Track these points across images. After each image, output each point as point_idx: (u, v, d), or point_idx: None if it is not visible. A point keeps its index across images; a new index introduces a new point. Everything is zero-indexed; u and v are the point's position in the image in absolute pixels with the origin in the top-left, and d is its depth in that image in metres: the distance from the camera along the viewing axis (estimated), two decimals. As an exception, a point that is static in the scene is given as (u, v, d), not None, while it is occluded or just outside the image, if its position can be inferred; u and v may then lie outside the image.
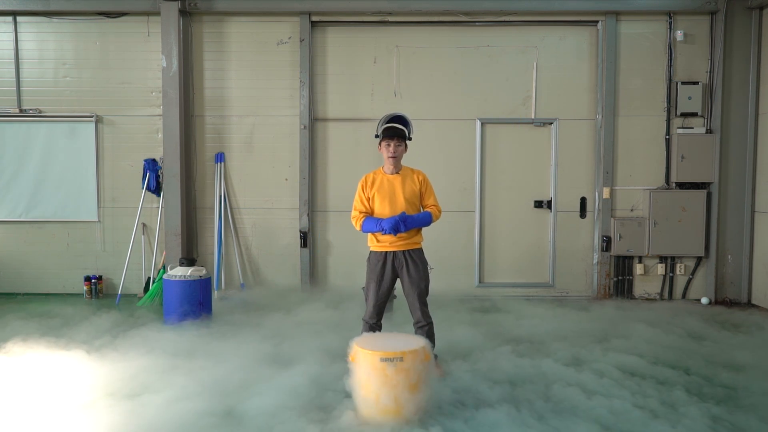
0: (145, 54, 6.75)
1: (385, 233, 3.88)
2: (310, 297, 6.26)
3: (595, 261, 6.75)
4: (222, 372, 4.00)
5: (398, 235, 3.91)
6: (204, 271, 5.54)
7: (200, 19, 6.76)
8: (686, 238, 6.52)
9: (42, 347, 4.51)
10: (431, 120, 6.74)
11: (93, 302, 6.54)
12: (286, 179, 6.83)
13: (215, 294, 6.28)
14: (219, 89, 6.80)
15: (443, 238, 6.62)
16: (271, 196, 6.85)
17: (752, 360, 4.37)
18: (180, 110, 6.55)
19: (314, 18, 6.66)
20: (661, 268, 6.65)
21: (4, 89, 6.79)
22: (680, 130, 6.55)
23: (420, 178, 4.08)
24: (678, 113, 6.56)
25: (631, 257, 6.67)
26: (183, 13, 6.60)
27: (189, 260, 5.64)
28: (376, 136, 4.07)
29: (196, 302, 5.41)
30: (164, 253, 6.62)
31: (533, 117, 6.73)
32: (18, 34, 6.76)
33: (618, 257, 6.67)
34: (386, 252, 4.01)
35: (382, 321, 4.14)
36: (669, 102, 6.61)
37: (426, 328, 4.03)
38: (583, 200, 6.77)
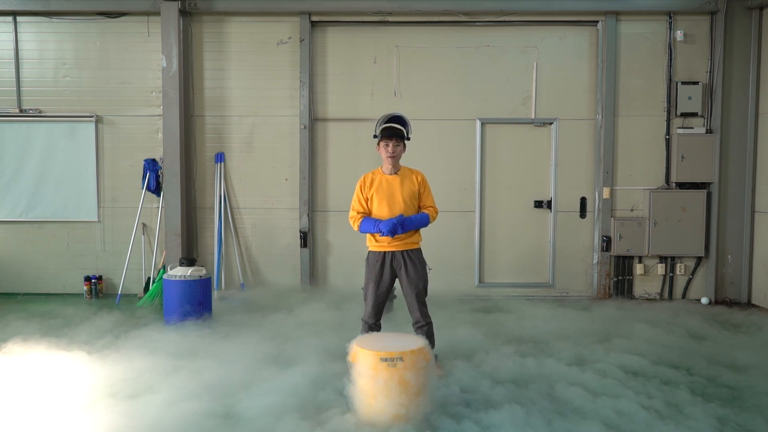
0: (145, 54, 6.75)
1: (383, 235, 3.89)
2: (310, 297, 6.25)
3: (595, 261, 6.75)
4: (223, 372, 4.00)
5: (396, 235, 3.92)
6: (204, 271, 5.54)
7: (200, 19, 6.76)
8: (686, 238, 6.52)
9: (43, 348, 4.51)
10: (431, 120, 6.74)
11: (93, 302, 6.54)
12: (286, 179, 6.83)
13: (215, 294, 6.28)
14: (219, 89, 6.81)
15: (443, 238, 6.62)
16: (271, 196, 6.85)
17: (755, 360, 4.37)
18: (180, 110, 6.55)
19: (314, 18, 6.66)
20: (661, 268, 6.65)
21: (4, 89, 6.79)
22: (680, 130, 6.55)
23: (419, 179, 4.08)
24: (678, 113, 6.56)
25: (631, 257, 6.67)
26: (183, 13, 6.60)
27: (189, 260, 5.64)
28: (375, 136, 4.07)
29: (196, 302, 5.41)
30: (164, 253, 6.62)
31: (533, 117, 6.73)
32: (18, 34, 6.76)
33: (618, 257, 6.67)
34: (385, 252, 4.02)
35: (383, 321, 4.15)
36: (669, 102, 6.61)
37: (425, 328, 4.03)
38: (583, 200, 6.77)
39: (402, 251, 4.01)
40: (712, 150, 6.48)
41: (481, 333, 5.01)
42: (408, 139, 4.07)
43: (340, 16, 6.68)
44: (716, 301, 6.53)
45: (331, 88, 6.79)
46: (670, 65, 6.59)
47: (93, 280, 6.73)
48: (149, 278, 6.74)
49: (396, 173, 4.05)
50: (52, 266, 6.90)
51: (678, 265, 6.66)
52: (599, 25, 6.63)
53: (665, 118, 6.63)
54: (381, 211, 3.98)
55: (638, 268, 6.66)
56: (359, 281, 4.16)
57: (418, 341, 3.42)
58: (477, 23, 6.68)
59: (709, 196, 6.55)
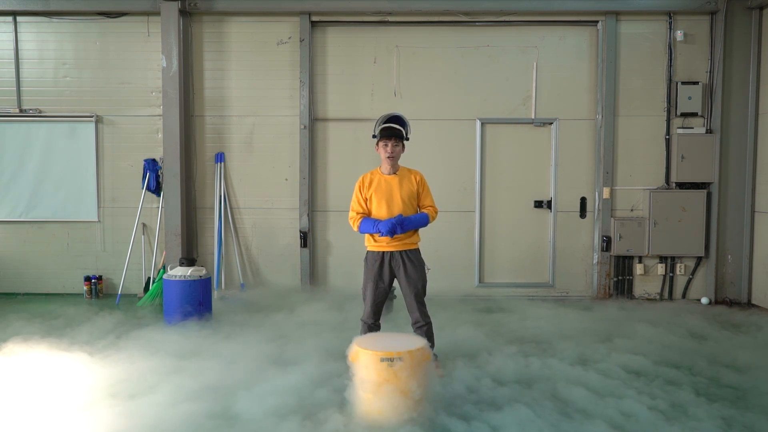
0: (145, 54, 6.75)
1: (382, 235, 3.89)
2: (310, 297, 6.25)
3: (595, 261, 6.75)
4: (224, 373, 4.00)
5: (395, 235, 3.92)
6: (204, 271, 5.54)
7: (200, 19, 6.76)
8: (686, 238, 6.52)
9: (44, 348, 4.51)
10: (431, 120, 6.74)
11: (93, 302, 6.54)
12: (286, 179, 6.83)
13: (215, 294, 6.28)
14: (219, 89, 6.81)
15: (443, 238, 6.62)
16: (271, 196, 6.85)
17: (757, 360, 4.37)
18: (180, 110, 6.55)
19: (314, 18, 6.66)
20: (661, 268, 6.65)
21: (4, 89, 6.79)
22: (680, 130, 6.55)
23: (417, 179, 4.08)
24: (678, 113, 6.56)
25: (631, 257, 6.67)
26: (183, 13, 6.60)
27: (189, 260, 5.64)
28: (374, 136, 4.07)
29: (196, 302, 5.41)
30: (164, 253, 6.62)
31: (533, 117, 6.73)
32: (18, 34, 6.76)
33: (618, 257, 6.67)
34: (383, 252, 4.02)
35: (383, 321, 4.15)
36: (669, 102, 6.61)
37: (425, 328, 4.03)
38: (583, 200, 6.77)
39: (401, 251, 4.01)
40: (712, 150, 6.48)
41: (483, 333, 5.01)
42: (407, 139, 4.07)
43: (340, 16, 6.68)
44: (716, 301, 6.53)
45: (331, 88, 6.79)
46: (670, 65, 6.59)
47: (93, 280, 6.73)
48: (149, 278, 6.74)
49: (395, 173, 4.05)
50: (52, 266, 6.90)
51: (678, 265, 6.66)
52: (599, 25, 6.63)
53: (665, 118, 6.63)
54: (380, 211, 3.98)
55: (638, 268, 6.66)
56: (359, 281, 4.16)
57: (418, 341, 3.42)
58: (477, 23, 6.68)
59: (709, 196, 6.55)
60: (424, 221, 4.00)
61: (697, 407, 3.50)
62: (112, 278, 6.87)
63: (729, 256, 6.57)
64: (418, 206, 4.10)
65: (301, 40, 6.64)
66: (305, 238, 6.75)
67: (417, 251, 4.09)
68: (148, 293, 6.38)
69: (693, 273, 6.67)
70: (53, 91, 6.80)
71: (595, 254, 6.74)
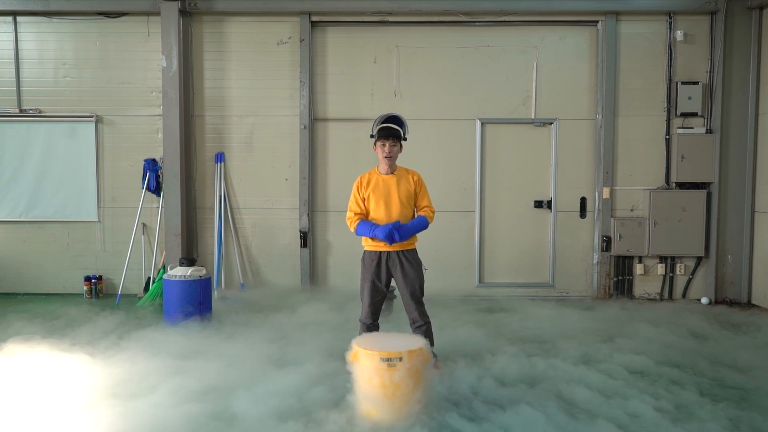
0: (145, 54, 6.75)
1: (379, 240, 3.90)
2: (310, 297, 6.25)
3: (595, 261, 6.75)
4: (226, 373, 3.99)
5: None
6: (204, 271, 5.54)
7: (200, 19, 6.76)
8: (686, 238, 6.52)
9: (45, 348, 4.51)
10: (431, 120, 6.74)
11: (93, 302, 6.54)
12: (286, 179, 6.83)
13: (215, 294, 6.28)
14: (219, 89, 6.81)
15: (443, 238, 6.62)
16: (271, 196, 6.85)
17: (760, 360, 4.37)
18: (180, 110, 6.55)
19: (314, 18, 6.66)
20: (661, 268, 6.65)
21: (4, 89, 6.79)
22: (680, 130, 6.55)
23: (415, 179, 4.09)
24: (678, 113, 6.56)
25: (631, 257, 6.67)
26: (183, 13, 6.60)
27: (189, 260, 5.64)
28: (372, 136, 4.07)
29: (196, 302, 5.41)
30: (164, 253, 6.62)
31: (533, 117, 6.73)
32: (18, 34, 6.76)
33: (618, 257, 6.67)
34: (380, 252, 4.02)
35: (383, 321, 4.15)
36: (669, 102, 6.61)
37: (424, 327, 4.03)
38: (583, 200, 6.77)
39: (398, 251, 4.02)
40: (712, 150, 6.48)
41: (485, 333, 5.00)
42: (405, 139, 4.08)
43: (340, 16, 6.68)
44: (716, 301, 6.52)
45: (331, 88, 6.79)
46: (670, 65, 6.59)
47: (93, 280, 6.73)
48: (149, 278, 6.74)
49: (392, 173, 4.06)
50: (52, 266, 6.90)
51: (678, 265, 6.66)
52: (599, 25, 6.63)
53: (665, 118, 6.63)
54: (378, 211, 3.99)
55: (638, 268, 6.66)
56: (359, 281, 4.16)
57: (418, 341, 3.42)
58: (477, 23, 6.68)
59: (709, 196, 6.55)
60: (423, 225, 4.00)
61: (701, 408, 3.48)
62: (112, 278, 6.87)
63: (729, 256, 6.57)
64: (415, 206, 4.10)
65: (301, 40, 6.64)
66: (305, 238, 6.75)
67: (414, 251, 4.09)
68: (149, 293, 6.39)
69: (693, 273, 6.67)
70: (53, 91, 6.80)
71: (595, 254, 6.74)
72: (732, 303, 6.50)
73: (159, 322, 5.46)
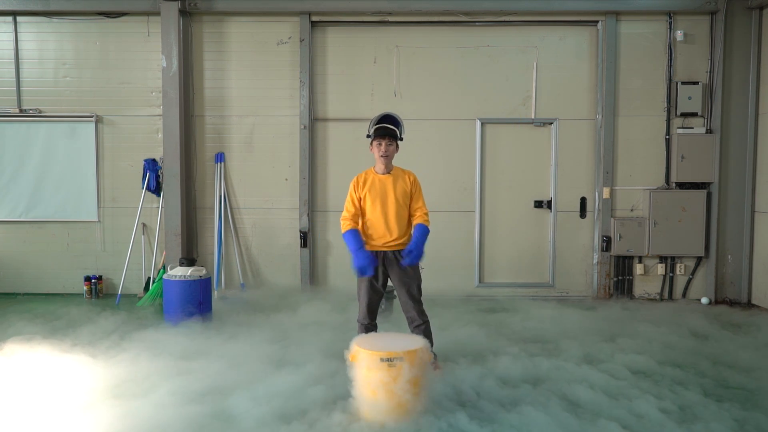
0: (145, 54, 6.75)
1: (373, 239, 3.95)
2: (310, 297, 6.25)
3: (595, 261, 6.75)
4: (227, 374, 3.99)
5: (388, 235, 3.96)
6: (204, 271, 5.54)
7: (200, 19, 6.76)
8: (686, 238, 6.52)
9: (47, 348, 4.50)
10: (431, 120, 6.74)
11: (93, 302, 6.54)
12: (286, 179, 6.83)
13: (215, 294, 6.28)
14: (219, 89, 6.81)
15: (443, 238, 6.62)
16: (271, 196, 6.85)
17: (762, 361, 4.36)
18: (180, 110, 6.55)
19: (314, 18, 6.66)
20: (661, 268, 6.65)
21: (4, 89, 6.79)
22: (680, 130, 6.55)
23: (411, 179, 4.09)
24: (678, 113, 6.56)
25: (631, 257, 6.67)
26: (183, 13, 6.60)
27: (189, 260, 5.64)
28: (368, 136, 4.08)
29: (197, 302, 5.41)
30: (164, 253, 6.62)
31: (533, 117, 6.73)
32: (18, 34, 6.76)
33: (618, 257, 6.67)
34: (376, 252, 4.02)
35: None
36: (669, 102, 6.61)
37: (422, 326, 4.03)
38: (583, 200, 6.77)
39: (393, 251, 4.02)
40: (712, 150, 6.47)
41: (487, 333, 5.00)
42: (401, 139, 4.08)
43: (340, 16, 6.68)
44: (716, 301, 6.52)
45: (331, 88, 6.79)
46: (670, 65, 6.59)
47: (93, 280, 6.73)
48: (149, 278, 6.74)
49: (389, 173, 4.06)
50: (52, 266, 6.90)
51: (678, 265, 6.66)
52: (599, 25, 6.63)
53: (665, 118, 6.63)
54: (374, 210, 3.99)
55: (638, 268, 6.66)
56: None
57: (419, 341, 3.42)
58: (477, 23, 6.68)
59: (709, 196, 6.55)
60: (426, 233, 3.98)
61: (706, 408, 3.47)
62: (112, 278, 6.87)
63: (729, 256, 6.57)
64: (410, 207, 4.09)
65: (301, 40, 6.64)
66: (305, 238, 6.75)
67: None
68: (149, 293, 6.38)
69: (693, 273, 6.67)
70: (53, 91, 6.80)
71: (595, 254, 6.74)
72: (732, 303, 6.50)
73: (159, 323, 5.45)
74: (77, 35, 6.77)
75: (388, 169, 4.07)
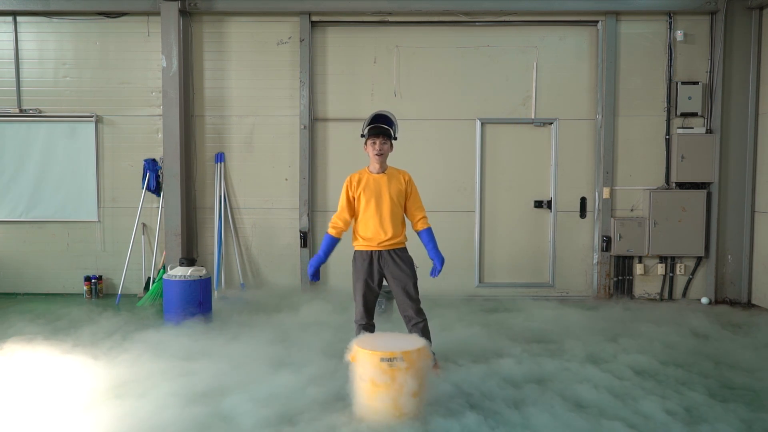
0: (145, 54, 6.75)
1: (367, 239, 4.00)
2: (310, 297, 6.24)
3: (595, 261, 6.75)
4: (228, 374, 3.99)
5: (383, 234, 3.98)
6: (204, 271, 5.54)
7: (200, 19, 6.76)
8: (686, 238, 6.52)
9: (48, 349, 4.50)
10: (431, 120, 6.74)
11: (93, 302, 6.54)
12: (286, 179, 6.83)
13: (215, 294, 6.28)
14: (219, 89, 6.80)
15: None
16: (271, 196, 6.85)
17: (764, 361, 4.36)
18: (180, 110, 6.55)
19: (314, 18, 6.66)
20: (661, 268, 6.65)
21: (4, 89, 6.79)
22: (680, 130, 6.55)
23: (406, 179, 4.10)
24: (678, 113, 6.56)
25: (631, 257, 6.67)
26: (183, 13, 6.60)
27: (189, 260, 5.64)
28: (362, 136, 4.08)
29: (196, 302, 5.41)
30: (164, 253, 6.62)
31: (533, 117, 6.73)
32: (18, 34, 6.76)
33: (618, 257, 6.67)
34: (371, 251, 4.03)
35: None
36: (669, 102, 6.61)
37: (420, 325, 4.03)
38: (583, 200, 6.77)
39: (389, 250, 4.03)
40: (712, 150, 6.48)
41: (489, 333, 5.00)
42: (395, 138, 4.08)
43: (340, 16, 6.68)
44: (716, 301, 6.53)
45: (331, 88, 6.79)
46: (670, 65, 6.59)
47: (93, 280, 6.73)
48: (149, 278, 6.74)
49: (383, 172, 4.07)
50: (52, 266, 6.90)
51: (678, 265, 6.66)
52: (599, 25, 6.63)
53: (665, 118, 6.63)
54: (368, 210, 4.00)
55: (638, 268, 6.66)
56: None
57: (418, 341, 3.42)
58: (477, 23, 6.68)
59: (709, 196, 6.55)
60: (434, 237, 4.16)
61: (711, 408, 3.47)
62: (112, 278, 6.87)
63: (729, 256, 6.57)
64: (406, 208, 4.10)
65: (301, 40, 6.64)
66: (305, 238, 6.75)
67: (404, 249, 4.10)
68: (149, 293, 6.38)
69: (693, 273, 6.67)
70: (53, 91, 6.80)
71: (595, 254, 6.74)
72: (732, 303, 6.51)
73: (160, 323, 5.46)
74: (77, 35, 6.77)
75: (383, 168, 4.08)
